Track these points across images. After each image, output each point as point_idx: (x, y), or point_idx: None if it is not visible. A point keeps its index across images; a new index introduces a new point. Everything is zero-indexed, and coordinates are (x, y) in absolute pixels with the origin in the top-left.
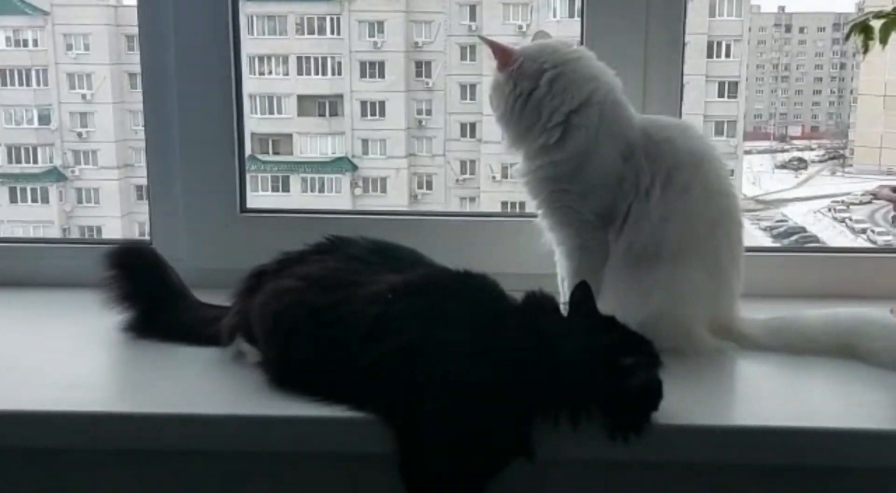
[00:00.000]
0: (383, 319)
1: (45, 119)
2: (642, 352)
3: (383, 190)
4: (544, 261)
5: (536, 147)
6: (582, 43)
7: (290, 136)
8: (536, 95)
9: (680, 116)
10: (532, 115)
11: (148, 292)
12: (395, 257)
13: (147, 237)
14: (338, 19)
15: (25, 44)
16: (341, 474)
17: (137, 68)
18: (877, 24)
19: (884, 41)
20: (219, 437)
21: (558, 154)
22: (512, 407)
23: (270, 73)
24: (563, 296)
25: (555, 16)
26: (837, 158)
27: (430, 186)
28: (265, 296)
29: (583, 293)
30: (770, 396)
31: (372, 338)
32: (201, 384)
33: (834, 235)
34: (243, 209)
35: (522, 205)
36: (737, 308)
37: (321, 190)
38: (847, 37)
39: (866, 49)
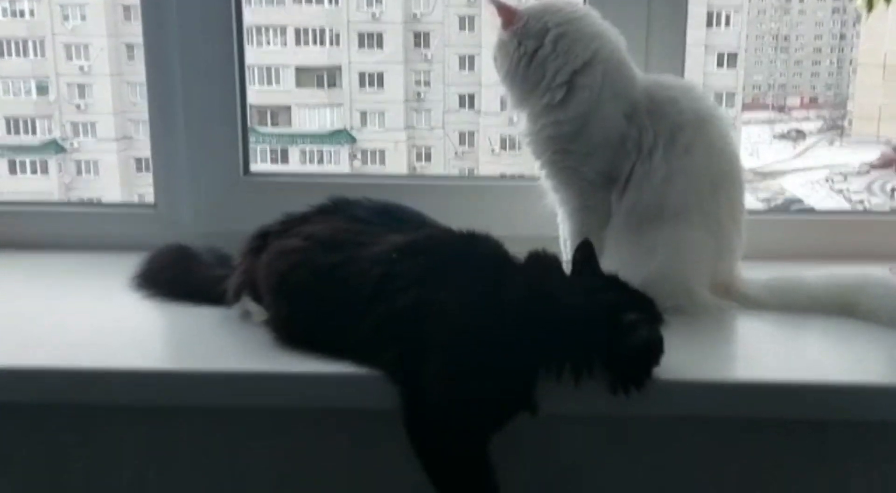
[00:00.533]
0: (387, 278)
1: (43, 90)
2: (644, 309)
3: (382, 162)
4: (543, 223)
5: (540, 107)
6: (585, 1)
7: (288, 107)
8: (541, 54)
9: (683, 75)
10: (536, 74)
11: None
12: (399, 217)
13: (151, 202)
14: None
15: (22, 14)
16: (346, 429)
17: (135, 39)
18: None
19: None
20: (225, 393)
21: (562, 114)
22: (515, 364)
23: (268, 44)
24: (566, 257)
25: None
26: (836, 128)
27: (428, 158)
28: (270, 256)
29: (585, 252)
30: (770, 352)
31: (376, 297)
32: (207, 342)
33: (831, 206)
34: (246, 172)
35: (522, 177)
36: (738, 269)
37: (320, 162)
38: None
39: (870, 7)
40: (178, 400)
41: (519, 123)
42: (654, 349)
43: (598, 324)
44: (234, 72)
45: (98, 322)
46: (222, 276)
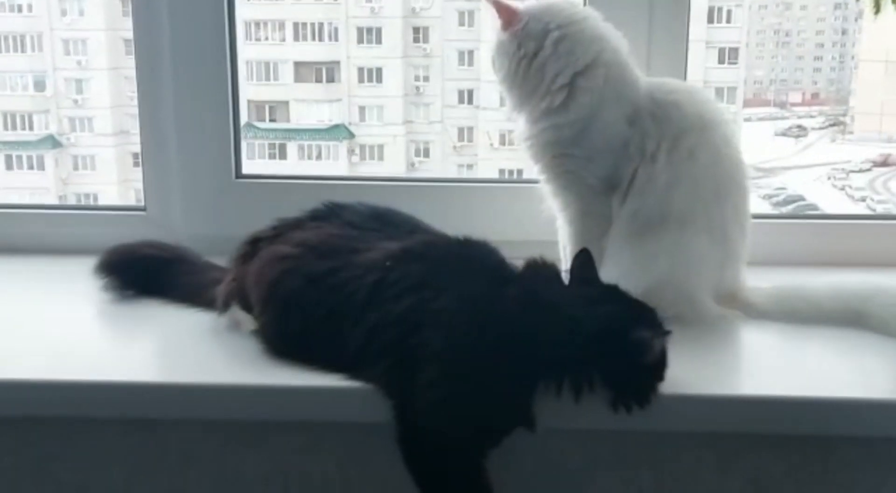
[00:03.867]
0: (381, 286)
1: (40, 86)
2: (647, 322)
3: (380, 157)
4: (544, 227)
5: (540, 110)
6: (586, 3)
7: (286, 103)
8: (541, 56)
9: (685, 78)
10: (536, 77)
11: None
12: (394, 223)
13: (142, 204)
14: None
15: (20, 9)
16: (337, 443)
17: (132, 34)
18: None
19: None
20: (213, 406)
21: (562, 117)
22: (512, 377)
23: (267, 39)
24: (565, 263)
25: None
26: (838, 124)
27: (427, 154)
28: (261, 263)
29: (584, 261)
30: (775, 365)
31: (370, 306)
32: (195, 353)
33: (833, 203)
34: (238, 175)
35: (521, 172)
36: (742, 276)
37: (318, 157)
38: None
39: (878, 10)
40: (165, 413)
41: (517, 125)
42: (658, 366)
43: (598, 339)
44: (226, 74)
45: (84, 330)
46: (214, 280)
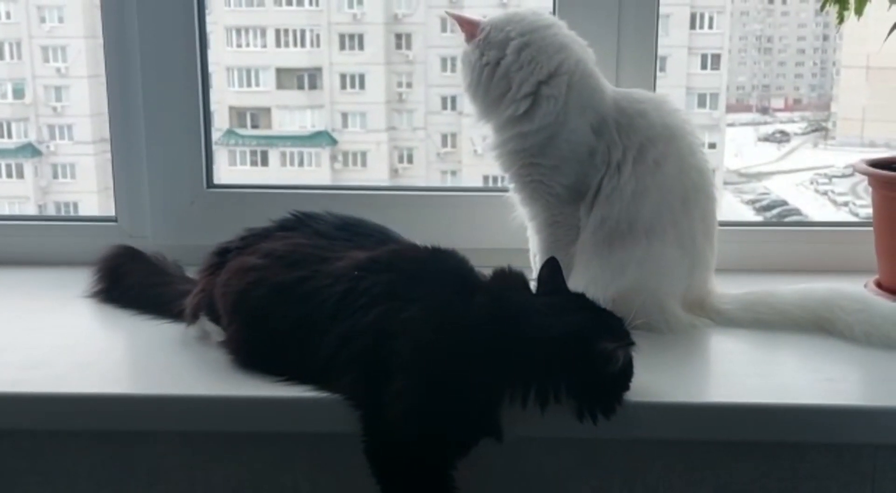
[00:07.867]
0: (350, 296)
1: (19, 93)
2: (614, 332)
3: (363, 164)
4: (525, 236)
5: (505, 119)
6: (554, 13)
7: (268, 109)
8: (503, 64)
9: (654, 89)
10: (500, 85)
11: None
12: (363, 233)
13: (113, 214)
14: None
15: None
16: (306, 455)
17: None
18: None
19: (859, 12)
20: (183, 418)
21: (527, 126)
22: (479, 386)
23: (248, 45)
24: (535, 272)
25: None
26: (820, 130)
27: (410, 160)
28: (228, 274)
29: (551, 270)
30: (743, 372)
31: (337, 316)
32: (163, 365)
33: (816, 208)
34: (210, 185)
35: (504, 179)
36: (711, 283)
37: (300, 164)
38: (822, 7)
39: (841, 20)
40: (133, 425)
41: (488, 137)
42: (623, 375)
43: (563, 348)
44: (197, 82)
45: (53, 342)
46: (184, 291)
